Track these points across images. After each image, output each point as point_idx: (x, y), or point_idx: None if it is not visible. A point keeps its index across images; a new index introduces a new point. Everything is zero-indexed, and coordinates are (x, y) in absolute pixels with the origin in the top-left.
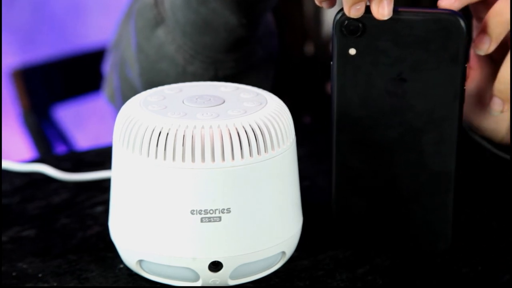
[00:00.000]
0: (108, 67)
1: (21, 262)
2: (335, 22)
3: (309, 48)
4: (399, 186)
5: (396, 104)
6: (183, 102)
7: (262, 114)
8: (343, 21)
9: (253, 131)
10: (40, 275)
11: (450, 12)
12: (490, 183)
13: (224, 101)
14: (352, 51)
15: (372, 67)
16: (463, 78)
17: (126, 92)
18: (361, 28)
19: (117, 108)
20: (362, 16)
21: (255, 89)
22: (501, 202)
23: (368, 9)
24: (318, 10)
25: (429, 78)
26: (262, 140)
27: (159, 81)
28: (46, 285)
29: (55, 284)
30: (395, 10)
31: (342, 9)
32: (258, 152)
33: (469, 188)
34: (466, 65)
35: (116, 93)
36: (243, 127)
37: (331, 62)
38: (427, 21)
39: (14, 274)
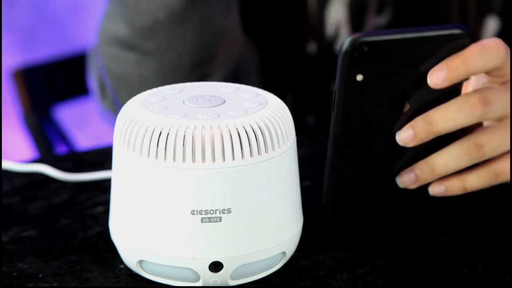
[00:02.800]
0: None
1: (22, 263)
2: (342, 51)
3: (312, 47)
4: (390, 187)
5: (398, 117)
6: (183, 102)
7: (263, 115)
8: (351, 50)
9: (254, 132)
10: (40, 275)
11: (457, 26)
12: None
13: (224, 101)
14: (359, 77)
15: (378, 89)
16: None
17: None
18: (370, 54)
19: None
20: (369, 43)
21: (256, 89)
22: (501, 202)
23: (375, 33)
24: (321, 9)
25: (433, 92)
26: (262, 141)
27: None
28: (46, 285)
29: (55, 285)
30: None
31: (348, 38)
32: (259, 152)
33: None
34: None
35: (112, 98)
36: (244, 127)
37: (335, 89)
38: (434, 38)
39: (14, 274)
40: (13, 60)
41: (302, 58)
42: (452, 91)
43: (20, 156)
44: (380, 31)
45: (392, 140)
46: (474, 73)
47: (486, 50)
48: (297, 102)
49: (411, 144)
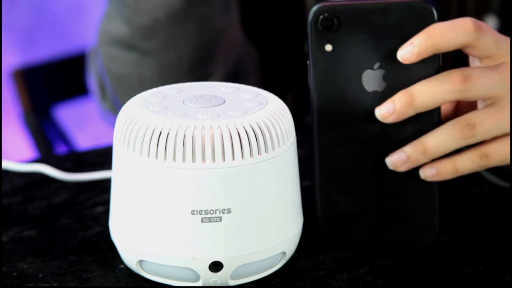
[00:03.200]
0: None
1: (22, 262)
2: (309, 19)
3: None
4: (383, 180)
5: (375, 97)
6: (183, 102)
7: (263, 114)
8: (317, 17)
9: (254, 131)
10: (40, 275)
11: (426, 1)
12: (490, 183)
13: (224, 101)
14: (329, 47)
15: (349, 61)
16: (439, 64)
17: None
18: (337, 23)
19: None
20: (336, 10)
21: (256, 89)
22: (501, 202)
23: (342, 2)
24: None
25: (406, 66)
26: (262, 140)
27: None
28: (46, 285)
29: (55, 284)
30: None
31: (315, 6)
32: (259, 152)
33: (469, 188)
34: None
35: (112, 98)
36: (244, 127)
37: (307, 61)
38: (399, 9)
39: (14, 274)
40: (13, 60)
41: (301, 58)
42: (430, 71)
43: (20, 156)
44: (350, 0)
45: (373, 122)
46: (442, 49)
47: (452, 27)
48: (296, 102)
49: (390, 119)
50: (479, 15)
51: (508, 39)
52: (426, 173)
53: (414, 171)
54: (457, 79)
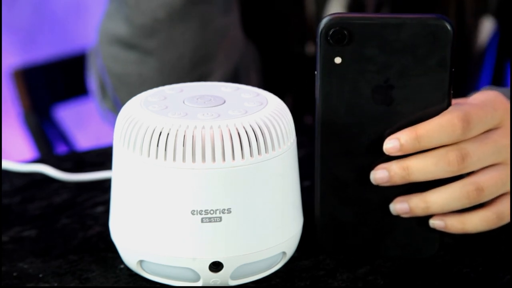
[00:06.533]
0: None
1: (22, 262)
2: (320, 31)
3: (311, 48)
4: (384, 193)
5: (383, 111)
6: (183, 102)
7: (263, 115)
8: (328, 30)
9: (254, 132)
10: (41, 275)
11: (437, 17)
12: None
13: (224, 101)
14: (338, 60)
15: (358, 75)
16: (451, 82)
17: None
18: (348, 36)
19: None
20: (348, 23)
21: (256, 89)
22: None
23: (354, 15)
24: (319, 10)
25: (417, 84)
26: (262, 141)
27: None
28: (47, 285)
29: (56, 284)
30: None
31: (326, 17)
32: (259, 152)
33: None
34: (453, 70)
35: (112, 98)
36: (244, 127)
37: (315, 72)
38: (413, 25)
39: (15, 274)
40: (13, 60)
41: (301, 59)
42: (441, 90)
43: (20, 156)
44: (361, 13)
45: (379, 137)
46: (429, 147)
47: (439, 129)
48: (296, 102)
49: (385, 185)
50: (477, 17)
51: (503, 101)
52: (436, 225)
53: (416, 186)
54: (454, 160)
